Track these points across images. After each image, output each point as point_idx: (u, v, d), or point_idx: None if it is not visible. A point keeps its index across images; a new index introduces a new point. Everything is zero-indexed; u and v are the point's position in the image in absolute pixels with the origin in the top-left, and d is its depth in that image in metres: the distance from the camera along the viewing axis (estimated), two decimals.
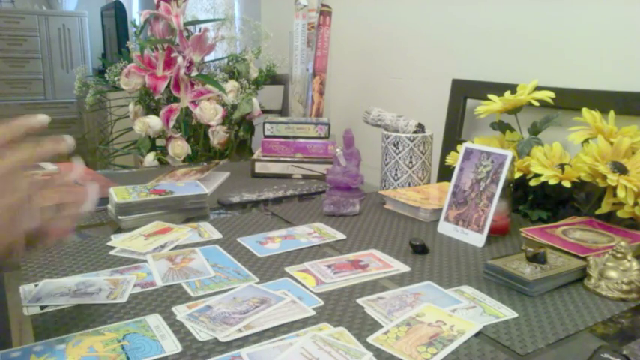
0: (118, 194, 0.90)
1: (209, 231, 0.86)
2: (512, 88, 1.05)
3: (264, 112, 1.72)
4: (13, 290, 0.65)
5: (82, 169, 0.57)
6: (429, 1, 1.41)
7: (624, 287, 0.64)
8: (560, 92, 1.01)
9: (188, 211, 0.93)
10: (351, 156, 1.06)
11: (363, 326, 0.57)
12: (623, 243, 0.67)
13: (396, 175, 1.08)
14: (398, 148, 1.06)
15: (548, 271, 0.67)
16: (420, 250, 0.78)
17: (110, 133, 1.91)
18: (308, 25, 1.50)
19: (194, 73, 1.45)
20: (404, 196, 0.99)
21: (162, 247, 0.79)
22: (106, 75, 1.56)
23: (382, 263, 0.74)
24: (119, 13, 3.23)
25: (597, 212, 0.83)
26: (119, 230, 0.87)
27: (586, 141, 0.87)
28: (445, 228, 0.87)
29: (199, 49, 1.48)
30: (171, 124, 1.41)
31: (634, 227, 0.82)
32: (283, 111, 1.88)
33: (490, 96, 1.06)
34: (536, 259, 0.68)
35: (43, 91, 3.64)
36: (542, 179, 0.87)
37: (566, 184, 0.85)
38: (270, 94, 1.91)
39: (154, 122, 1.41)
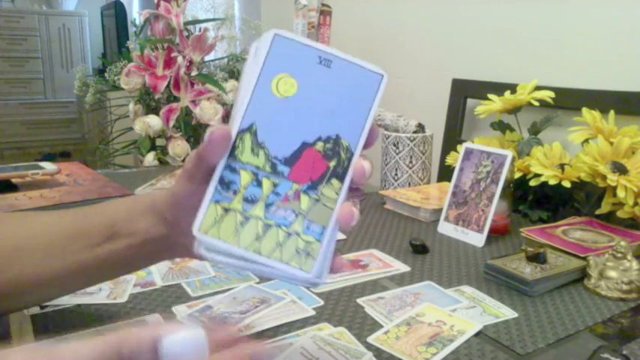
0: None
1: None
2: (512, 88, 1.05)
3: None
4: None
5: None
6: (429, 0, 1.40)
7: (624, 287, 0.64)
8: (560, 92, 1.01)
9: None
10: None
11: (363, 326, 0.57)
12: (623, 243, 0.67)
13: (396, 175, 1.08)
14: (398, 148, 1.06)
15: (548, 271, 0.67)
16: (420, 250, 0.78)
17: (110, 132, 1.91)
18: (308, 24, 1.50)
19: (194, 73, 1.45)
20: (404, 196, 0.99)
21: None
22: (106, 75, 1.56)
23: (382, 263, 0.74)
24: (119, 13, 3.23)
25: (597, 212, 0.83)
26: None
27: (586, 141, 0.87)
28: (445, 228, 0.87)
29: (199, 49, 1.48)
30: (172, 123, 1.41)
31: (634, 227, 0.82)
32: None
33: (490, 96, 1.06)
34: (536, 259, 0.68)
35: (43, 90, 3.64)
36: (542, 179, 0.87)
37: (566, 184, 0.85)
38: None
39: (154, 122, 1.41)
